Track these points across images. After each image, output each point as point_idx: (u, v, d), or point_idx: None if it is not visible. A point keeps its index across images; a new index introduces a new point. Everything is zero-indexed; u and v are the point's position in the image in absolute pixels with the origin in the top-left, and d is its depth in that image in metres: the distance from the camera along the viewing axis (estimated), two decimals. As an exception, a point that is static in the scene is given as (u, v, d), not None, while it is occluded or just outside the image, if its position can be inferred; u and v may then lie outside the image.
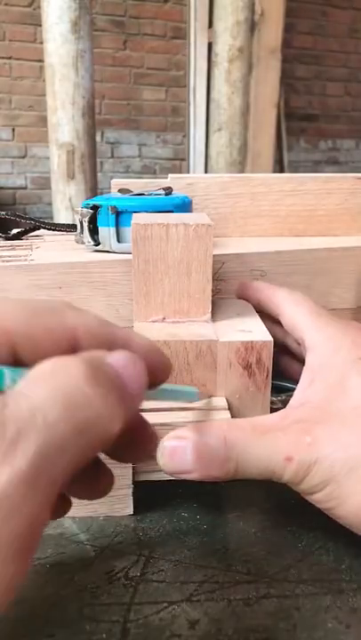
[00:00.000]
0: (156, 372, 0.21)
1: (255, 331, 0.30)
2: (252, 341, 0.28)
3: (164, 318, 0.32)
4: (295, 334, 0.30)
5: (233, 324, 0.31)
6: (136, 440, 0.21)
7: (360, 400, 0.25)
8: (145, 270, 0.31)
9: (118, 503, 0.27)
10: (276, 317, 0.32)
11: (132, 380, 0.18)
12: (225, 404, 0.29)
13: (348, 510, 0.23)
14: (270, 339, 0.29)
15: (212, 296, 0.34)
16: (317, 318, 0.29)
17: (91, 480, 0.21)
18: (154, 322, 0.31)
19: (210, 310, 0.32)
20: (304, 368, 0.28)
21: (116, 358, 0.18)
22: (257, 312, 0.34)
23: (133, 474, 0.27)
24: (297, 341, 0.30)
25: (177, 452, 0.23)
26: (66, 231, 0.50)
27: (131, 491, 0.27)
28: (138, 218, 0.32)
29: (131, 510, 0.27)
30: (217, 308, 0.34)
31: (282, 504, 0.28)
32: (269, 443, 0.23)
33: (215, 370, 0.29)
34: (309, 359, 0.28)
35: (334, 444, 0.23)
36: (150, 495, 0.28)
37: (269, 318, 0.32)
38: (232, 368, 0.29)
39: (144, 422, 0.22)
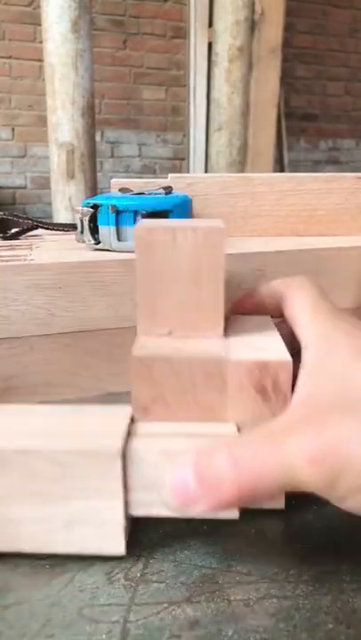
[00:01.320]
0: None
1: (272, 349, 0.26)
2: (267, 361, 0.25)
3: (170, 332, 0.28)
4: (294, 331, 0.28)
5: (248, 340, 0.28)
6: None
7: None
8: (150, 279, 0.28)
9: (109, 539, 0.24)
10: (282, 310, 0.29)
11: None
12: (235, 430, 0.25)
13: None
14: (289, 359, 0.25)
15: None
16: (315, 314, 0.27)
17: None
18: (159, 336, 0.28)
19: (222, 325, 0.28)
20: (301, 366, 0.25)
21: None
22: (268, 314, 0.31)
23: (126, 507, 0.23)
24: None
25: (179, 484, 0.21)
26: (64, 230, 0.50)
27: (122, 528, 0.23)
28: (143, 222, 0.30)
29: (122, 550, 0.23)
30: (232, 323, 0.31)
31: (282, 504, 0.28)
32: (284, 446, 0.20)
33: (225, 393, 0.26)
34: (305, 357, 0.26)
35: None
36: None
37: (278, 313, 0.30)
38: (244, 391, 0.25)
39: None
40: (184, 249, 0.27)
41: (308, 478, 0.20)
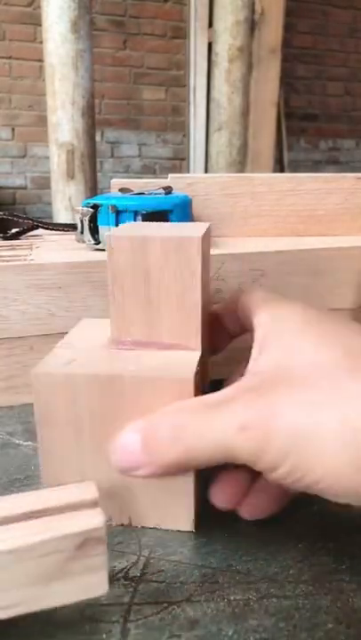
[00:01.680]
0: None
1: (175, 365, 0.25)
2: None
3: (134, 343, 0.27)
4: (247, 323, 0.27)
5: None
6: None
7: (315, 354, 0.22)
8: (118, 287, 0.27)
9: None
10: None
11: None
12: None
13: (320, 476, 0.19)
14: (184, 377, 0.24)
15: (212, 296, 0.33)
16: (265, 302, 0.27)
17: None
18: (120, 348, 0.27)
19: (197, 337, 0.27)
20: (253, 344, 0.25)
21: None
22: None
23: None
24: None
25: (127, 447, 0.22)
26: (64, 230, 0.50)
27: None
28: (116, 229, 0.29)
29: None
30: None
31: (282, 504, 0.28)
32: (220, 415, 0.21)
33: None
34: (256, 335, 0.25)
35: (295, 405, 0.20)
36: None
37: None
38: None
39: None
40: (154, 259, 0.26)
41: (239, 447, 0.20)
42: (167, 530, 0.26)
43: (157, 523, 0.26)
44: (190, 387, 0.24)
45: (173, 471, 0.22)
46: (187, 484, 0.25)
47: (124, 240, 0.26)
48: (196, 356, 0.26)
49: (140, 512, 0.26)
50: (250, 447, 0.20)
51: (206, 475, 0.25)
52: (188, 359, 0.26)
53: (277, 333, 0.24)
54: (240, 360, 0.27)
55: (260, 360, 0.24)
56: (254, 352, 0.25)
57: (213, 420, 0.21)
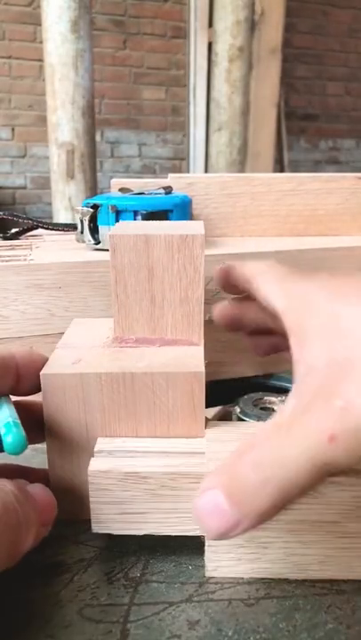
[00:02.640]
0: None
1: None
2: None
3: (136, 340, 0.28)
4: (269, 308, 0.26)
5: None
6: None
7: None
8: (121, 284, 0.27)
9: None
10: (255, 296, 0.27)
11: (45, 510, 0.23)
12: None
13: None
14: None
15: (212, 296, 0.33)
16: (282, 283, 0.25)
17: None
18: (123, 345, 0.27)
19: (199, 333, 0.28)
20: (288, 334, 0.23)
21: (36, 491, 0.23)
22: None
23: None
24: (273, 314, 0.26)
25: (213, 511, 0.18)
26: (63, 230, 0.50)
27: None
28: (117, 226, 0.29)
29: None
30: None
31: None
32: (301, 432, 0.18)
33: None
34: (286, 325, 0.23)
35: None
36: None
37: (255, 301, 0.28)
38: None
39: None
40: (158, 256, 0.26)
41: (337, 458, 0.18)
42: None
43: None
44: (202, 379, 0.24)
45: (275, 512, 0.19)
46: None
47: (127, 238, 0.26)
48: (200, 350, 0.27)
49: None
50: (349, 454, 0.18)
51: None
52: (194, 353, 0.26)
53: (311, 314, 0.22)
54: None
55: (306, 352, 0.21)
56: (293, 345, 0.22)
57: (296, 439, 0.19)
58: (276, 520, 0.21)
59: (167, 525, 0.24)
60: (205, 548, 0.23)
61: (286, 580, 0.23)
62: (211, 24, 2.63)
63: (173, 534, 0.24)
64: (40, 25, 2.07)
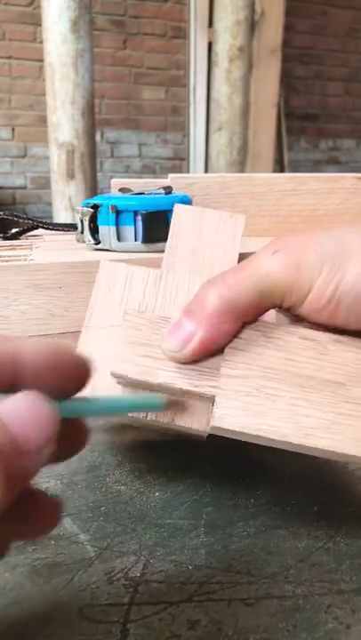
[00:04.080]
0: (66, 379, 0.17)
1: None
2: None
3: None
4: None
5: None
6: (29, 516, 0.17)
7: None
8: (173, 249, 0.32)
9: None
10: None
11: (25, 439, 0.14)
12: None
13: (355, 275, 0.22)
14: None
15: None
16: None
17: (21, 522, 0.17)
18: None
19: None
20: None
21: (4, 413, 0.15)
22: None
23: None
24: None
25: (175, 325, 0.23)
26: (64, 230, 0.50)
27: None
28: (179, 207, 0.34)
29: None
30: None
31: (282, 504, 0.28)
32: (252, 258, 0.23)
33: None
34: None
35: (320, 234, 0.23)
36: (150, 495, 0.28)
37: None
38: None
39: (42, 495, 0.18)
40: (207, 228, 0.33)
41: (275, 268, 0.22)
42: (169, 529, 0.26)
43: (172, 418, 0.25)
44: None
45: (221, 326, 0.23)
46: None
47: (187, 209, 0.33)
48: None
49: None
50: (286, 264, 0.22)
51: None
52: None
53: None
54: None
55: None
56: None
57: (246, 263, 0.23)
58: (285, 371, 0.23)
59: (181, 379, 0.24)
60: (216, 393, 0.23)
61: (286, 580, 0.23)
62: (211, 24, 2.63)
63: (185, 388, 0.24)
64: (40, 25, 2.07)
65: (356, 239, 0.23)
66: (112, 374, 0.24)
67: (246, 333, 0.24)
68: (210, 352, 0.23)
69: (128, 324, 0.25)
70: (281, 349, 0.24)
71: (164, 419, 0.25)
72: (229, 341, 0.24)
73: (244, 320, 0.23)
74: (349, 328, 0.24)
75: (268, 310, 0.24)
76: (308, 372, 0.24)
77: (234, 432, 0.23)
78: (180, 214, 0.33)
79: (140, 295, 0.28)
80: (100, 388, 0.23)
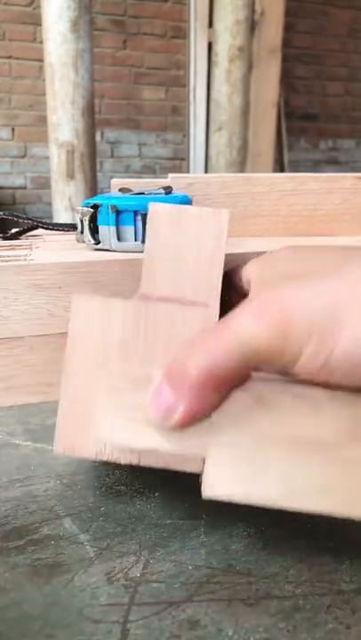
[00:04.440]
0: None
1: None
2: None
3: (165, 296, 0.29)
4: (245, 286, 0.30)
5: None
6: None
7: (297, 261, 0.25)
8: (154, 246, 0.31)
9: None
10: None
11: None
12: None
13: (349, 342, 0.20)
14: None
15: None
16: (251, 262, 0.30)
17: None
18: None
19: (215, 297, 0.29)
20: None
21: None
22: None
23: None
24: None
25: (155, 393, 0.22)
26: (64, 230, 0.50)
27: None
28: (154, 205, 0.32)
29: None
30: None
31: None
32: (232, 318, 0.21)
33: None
34: (251, 287, 0.28)
35: (304, 287, 0.21)
36: (149, 496, 0.28)
37: None
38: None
39: None
40: (190, 227, 0.30)
41: (258, 335, 0.20)
42: (169, 530, 0.26)
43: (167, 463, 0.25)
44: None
45: (205, 397, 0.21)
46: None
47: (164, 208, 0.31)
48: (214, 311, 0.28)
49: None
50: (270, 332, 0.20)
51: None
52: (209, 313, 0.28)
53: (273, 258, 0.28)
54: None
55: (259, 283, 0.27)
56: (253, 284, 0.28)
57: (227, 323, 0.21)
58: (276, 435, 0.22)
59: None
60: (205, 463, 0.23)
61: (286, 580, 0.23)
62: (211, 24, 2.63)
63: (174, 453, 0.24)
64: (40, 25, 2.07)
65: (347, 291, 0.20)
66: (98, 438, 0.24)
67: (235, 394, 0.22)
68: (197, 421, 0.22)
69: (109, 384, 0.23)
70: (273, 412, 0.22)
71: (157, 464, 0.25)
72: (216, 408, 0.22)
73: (230, 387, 0.22)
74: (348, 385, 0.22)
75: (255, 372, 0.22)
76: (302, 432, 0.22)
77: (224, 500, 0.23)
78: (155, 218, 0.31)
79: (120, 331, 0.26)
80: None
